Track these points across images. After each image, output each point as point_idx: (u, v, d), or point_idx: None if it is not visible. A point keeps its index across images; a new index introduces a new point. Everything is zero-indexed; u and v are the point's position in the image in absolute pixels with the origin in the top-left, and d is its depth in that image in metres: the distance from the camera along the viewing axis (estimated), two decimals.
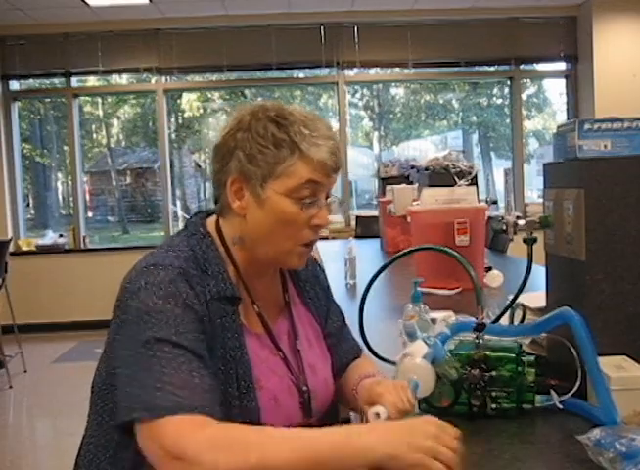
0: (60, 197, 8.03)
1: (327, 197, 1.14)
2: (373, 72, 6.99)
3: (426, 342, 1.13)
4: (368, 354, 1.41)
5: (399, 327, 1.55)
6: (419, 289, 1.48)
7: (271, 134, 1.09)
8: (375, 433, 0.89)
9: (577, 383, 1.10)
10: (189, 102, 7.79)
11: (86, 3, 5.65)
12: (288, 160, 1.08)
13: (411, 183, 3.79)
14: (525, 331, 1.24)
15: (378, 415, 1.04)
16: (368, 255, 3.63)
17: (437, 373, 1.11)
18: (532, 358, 1.13)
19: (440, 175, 2.60)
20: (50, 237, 6.59)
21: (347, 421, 3.70)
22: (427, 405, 1.14)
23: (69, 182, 6.95)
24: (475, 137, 8.61)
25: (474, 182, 2.57)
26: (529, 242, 1.28)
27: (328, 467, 0.87)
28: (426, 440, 0.86)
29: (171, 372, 0.95)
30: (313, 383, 1.18)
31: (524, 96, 7.27)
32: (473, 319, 1.20)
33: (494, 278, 2.45)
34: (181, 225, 1.31)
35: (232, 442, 0.89)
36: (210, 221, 1.18)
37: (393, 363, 1.40)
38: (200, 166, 9.11)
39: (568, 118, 6.74)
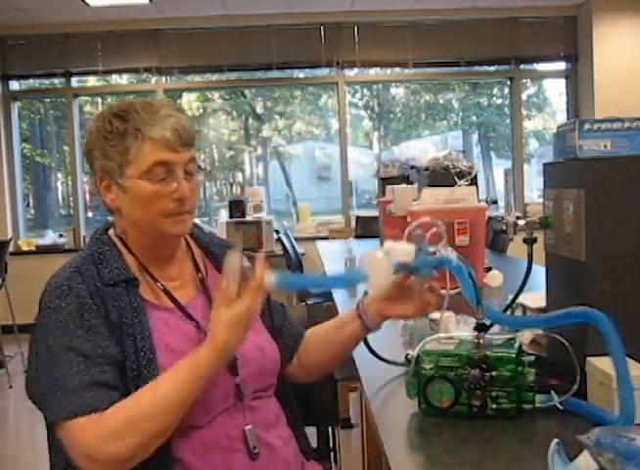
0: (60, 197, 8.02)
1: (189, 174, 1.23)
2: (373, 72, 6.99)
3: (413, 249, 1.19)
4: (361, 351, 1.41)
5: (399, 328, 1.55)
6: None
7: (116, 127, 1.19)
8: (210, 351, 1.11)
9: (577, 383, 1.10)
10: (189, 102, 7.78)
11: (86, 3, 5.65)
12: (134, 144, 1.18)
13: (411, 183, 3.78)
14: (540, 322, 1.26)
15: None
16: None
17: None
18: (532, 358, 1.13)
19: (440, 175, 2.59)
20: (50, 237, 6.59)
21: (347, 420, 3.67)
22: (427, 405, 1.15)
23: (69, 182, 6.95)
24: (475, 137, 8.60)
25: (474, 182, 2.56)
26: (529, 242, 1.28)
27: (200, 387, 1.11)
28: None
29: (64, 376, 1.09)
30: (241, 347, 1.24)
31: (524, 96, 7.27)
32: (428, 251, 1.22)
33: (494, 278, 2.44)
34: None
35: (122, 427, 1.06)
36: (111, 230, 1.30)
37: (394, 363, 1.41)
38: (200, 166, 9.09)
39: (568, 118, 6.74)
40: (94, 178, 1.26)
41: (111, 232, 1.29)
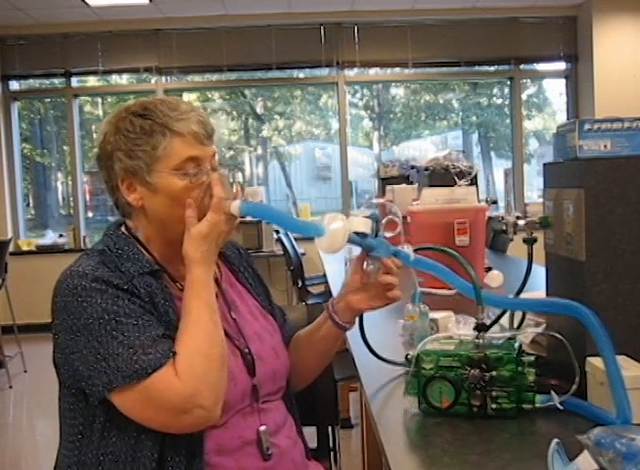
0: (60, 197, 8.02)
1: (213, 168, 1.21)
2: (373, 72, 6.99)
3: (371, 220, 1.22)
4: (361, 351, 1.41)
5: (399, 328, 1.55)
6: (419, 289, 1.48)
7: (139, 126, 1.18)
8: (191, 270, 1.15)
9: (577, 383, 1.10)
10: (189, 102, 7.81)
11: (86, 3, 5.65)
12: (162, 141, 1.17)
13: (411, 183, 3.79)
14: (527, 305, 1.30)
15: None
16: None
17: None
18: (532, 358, 1.13)
19: (440, 175, 2.60)
20: (50, 237, 6.59)
21: (347, 420, 3.68)
22: (427, 405, 1.14)
23: (69, 182, 6.95)
24: (475, 137, 8.60)
25: (474, 182, 2.57)
26: (529, 242, 1.28)
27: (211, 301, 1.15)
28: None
29: (132, 338, 1.07)
30: (259, 349, 1.27)
31: (524, 96, 7.27)
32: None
33: (494, 278, 2.44)
34: None
35: (198, 360, 1.08)
36: (123, 227, 1.27)
37: (394, 363, 1.41)
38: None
39: (568, 118, 6.74)
40: (110, 183, 1.23)
41: (123, 229, 1.26)
